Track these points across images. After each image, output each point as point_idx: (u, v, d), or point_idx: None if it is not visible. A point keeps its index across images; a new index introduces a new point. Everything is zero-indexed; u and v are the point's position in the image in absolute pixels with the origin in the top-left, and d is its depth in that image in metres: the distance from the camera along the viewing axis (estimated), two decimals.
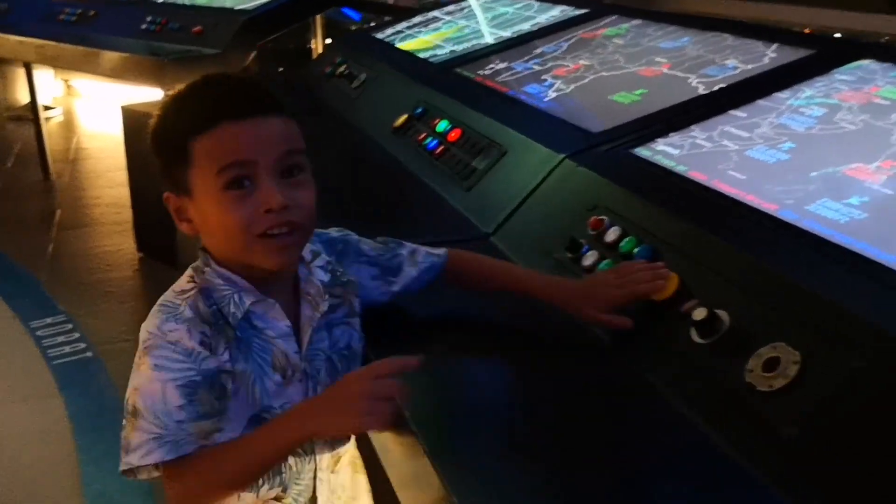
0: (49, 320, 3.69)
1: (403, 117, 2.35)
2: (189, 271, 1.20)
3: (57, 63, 5.02)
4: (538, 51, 2.53)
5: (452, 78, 2.52)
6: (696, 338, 1.17)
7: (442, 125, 2.16)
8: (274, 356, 1.18)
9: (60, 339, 3.52)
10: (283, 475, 1.20)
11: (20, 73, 6.49)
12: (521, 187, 1.74)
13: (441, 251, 1.40)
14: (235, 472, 1.12)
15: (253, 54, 4.33)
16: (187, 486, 1.12)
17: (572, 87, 2.15)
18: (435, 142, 2.14)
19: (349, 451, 1.34)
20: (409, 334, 1.37)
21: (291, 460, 1.20)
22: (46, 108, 6.59)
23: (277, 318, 1.18)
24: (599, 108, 1.97)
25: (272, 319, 1.18)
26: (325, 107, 2.90)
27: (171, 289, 1.18)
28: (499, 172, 1.86)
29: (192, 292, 1.16)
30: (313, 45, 4.86)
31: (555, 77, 2.26)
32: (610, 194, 1.52)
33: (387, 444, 1.21)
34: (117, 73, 4.33)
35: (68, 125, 7.05)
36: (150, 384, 1.10)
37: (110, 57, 4.27)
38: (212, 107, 1.11)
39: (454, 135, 2.08)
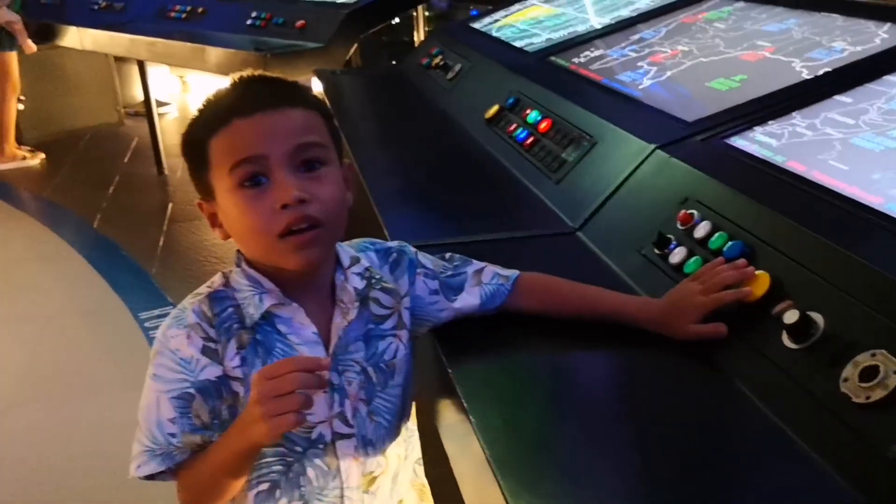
0: (157, 312, 3.80)
1: (495, 108, 2.30)
2: (217, 275, 1.18)
3: (167, 60, 5.14)
4: (636, 37, 2.44)
5: (546, 67, 2.46)
6: (788, 342, 1.09)
7: (533, 116, 2.10)
8: None
9: None
10: (303, 489, 1.17)
11: (136, 70, 6.70)
12: (610, 180, 1.67)
13: (511, 273, 1.32)
14: (209, 480, 1.11)
15: (355, 47, 4.35)
16: (185, 493, 1.14)
17: (669, 73, 2.06)
18: (525, 133, 2.08)
19: (407, 474, 1.30)
20: (487, 345, 1.30)
21: (311, 474, 1.17)
22: (160, 103, 6.79)
23: (303, 324, 1.15)
24: (696, 96, 1.87)
25: (297, 324, 1.15)
26: (421, 98, 2.87)
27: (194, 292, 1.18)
28: (588, 164, 1.79)
29: (202, 296, 1.14)
30: (415, 37, 4.86)
31: (651, 64, 2.17)
32: (701, 187, 1.44)
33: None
34: (223, 69, 4.40)
35: (182, 120, 7.26)
36: (148, 394, 1.11)
37: (216, 53, 4.35)
38: (226, 105, 1.10)
39: (545, 125, 2.02)
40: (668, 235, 1.38)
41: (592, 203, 1.66)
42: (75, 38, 5.60)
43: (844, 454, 0.95)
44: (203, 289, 1.16)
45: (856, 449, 0.95)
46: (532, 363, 1.25)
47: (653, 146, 1.63)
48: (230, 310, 1.13)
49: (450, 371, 1.19)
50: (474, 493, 1.09)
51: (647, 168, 1.61)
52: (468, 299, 1.29)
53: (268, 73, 1.16)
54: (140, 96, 6.92)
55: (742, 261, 1.22)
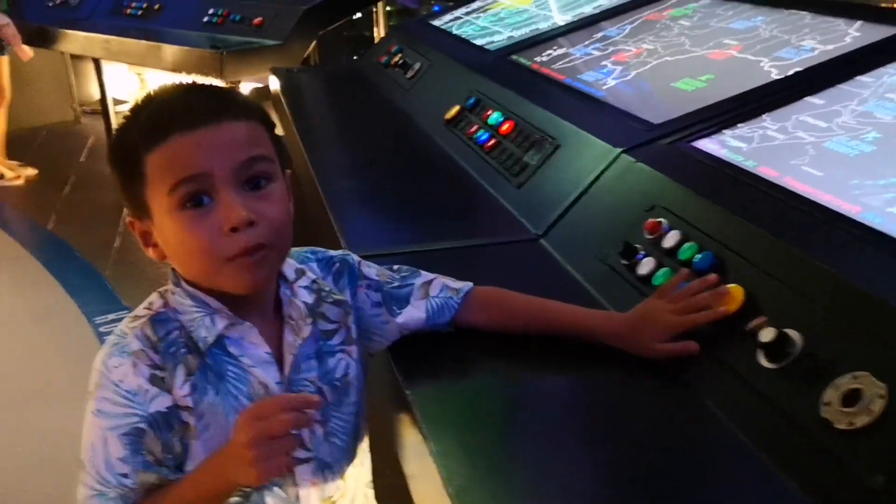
0: (112, 316, 3.68)
1: (455, 109, 2.22)
2: (152, 295, 1.08)
3: (123, 58, 5.00)
4: (599, 35, 2.37)
5: (507, 66, 2.39)
6: (763, 361, 1.02)
7: (494, 117, 2.03)
8: (251, 386, 1.06)
9: None
10: None
11: (93, 67, 6.55)
12: (573, 185, 1.60)
13: (462, 285, 1.24)
14: None
15: (314, 44, 4.25)
16: None
17: (633, 73, 2.00)
18: (486, 135, 2.01)
19: (361, 497, 1.22)
20: (443, 362, 1.22)
21: (270, 501, 1.08)
22: (118, 101, 6.64)
23: (255, 344, 1.06)
24: (662, 97, 1.81)
25: (249, 345, 1.06)
26: (380, 98, 2.79)
27: (128, 314, 1.08)
28: (551, 168, 1.72)
29: (144, 319, 1.04)
30: (375, 33, 4.77)
31: (615, 63, 2.10)
32: (669, 193, 1.37)
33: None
34: (180, 67, 4.30)
35: None
36: (92, 432, 1.01)
37: (172, 51, 4.25)
38: (164, 118, 0.99)
39: (506, 127, 1.95)
40: (636, 245, 1.32)
41: (556, 209, 1.59)
42: (30, 35, 5.45)
43: (824, 483, 0.89)
44: (142, 311, 1.06)
45: (837, 478, 0.88)
46: (491, 381, 1.18)
47: (618, 150, 1.56)
48: (175, 333, 1.03)
49: (407, 392, 1.11)
50: None
51: (613, 173, 1.54)
52: (413, 313, 1.20)
53: (204, 83, 1.07)
54: (97, 94, 6.77)
55: (713, 276, 1.15)
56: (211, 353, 1.03)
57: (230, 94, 1.06)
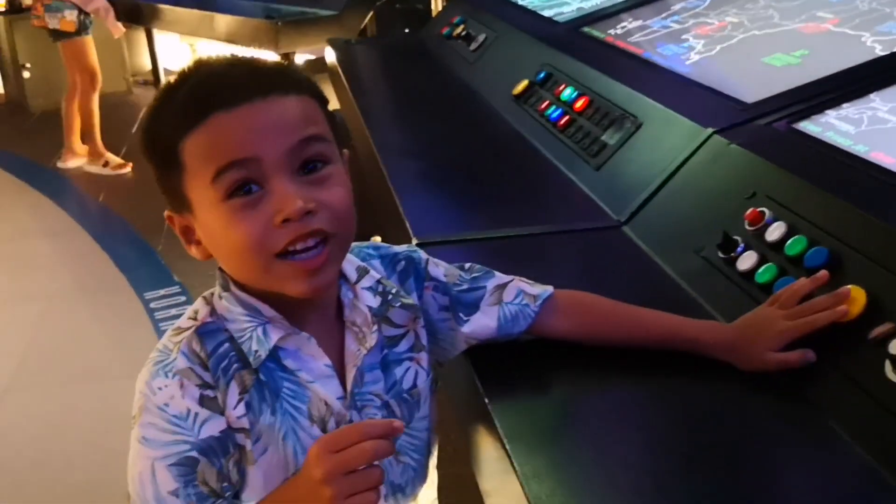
0: (163, 291, 3.65)
1: (524, 83, 2.11)
2: (197, 302, 0.97)
3: (175, 28, 4.97)
4: (677, 6, 2.24)
5: (579, 38, 2.26)
6: (891, 374, 0.91)
7: (567, 93, 1.92)
8: (311, 404, 0.94)
9: (173, 311, 3.46)
10: None
11: (144, 37, 6.52)
12: (660, 167, 1.48)
13: (541, 290, 1.10)
14: None
15: (370, 15, 4.16)
16: None
17: (718, 48, 1.87)
18: (559, 111, 1.89)
19: None
20: (527, 370, 1.10)
21: None
22: (170, 72, 6.61)
23: (314, 357, 0.94)
24: (752, 74, 1.68)
25: (307, 358, 0.94)
26: (442, 71, 2.68)
27: (173, 327, 0.96)
28: (633, 149, 1.61)
29: (189, 331, 0.92)
30: (433, 5, 4.65)
31: (697, 37, 1.97)
32: (772, 180, 1.25)
33: None
34: (233, 37, 4.24)
35: None
36: (139, 463, 0.89)
37: (225, 20, 4.19)
38: (202, 95, 0.87)
39: (581, 104, 1.84)
40: (735, 236, 1.20)
41: (640, 194, 1.48)
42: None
43: None
44: (185, 322, 0.94)
45: None
46: (582, 394, 1.06)
47: (710, 130, 1.44)
48: (226, 346, 0.91)
49: (488, 403, 1.01)
50: None
51: (704, 155, 1.42)
52: (482, 320, 1.07)
53: (244, 57, 0.95)
54: (149, 65, 6.74)
55: (824, 273, 1.03)
56: (264, 367, 0.92)
57: (276, 66, 0.95)
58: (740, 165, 1.33)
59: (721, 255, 1.21)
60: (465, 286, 1.08)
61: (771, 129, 1.40)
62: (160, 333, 3.29)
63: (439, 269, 1.09)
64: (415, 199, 1.62)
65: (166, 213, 0.94)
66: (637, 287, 1.27)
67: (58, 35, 4.98)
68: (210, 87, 0.88)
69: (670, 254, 1.32)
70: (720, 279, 1.20)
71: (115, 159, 5.30)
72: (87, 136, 5.33)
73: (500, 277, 1.11)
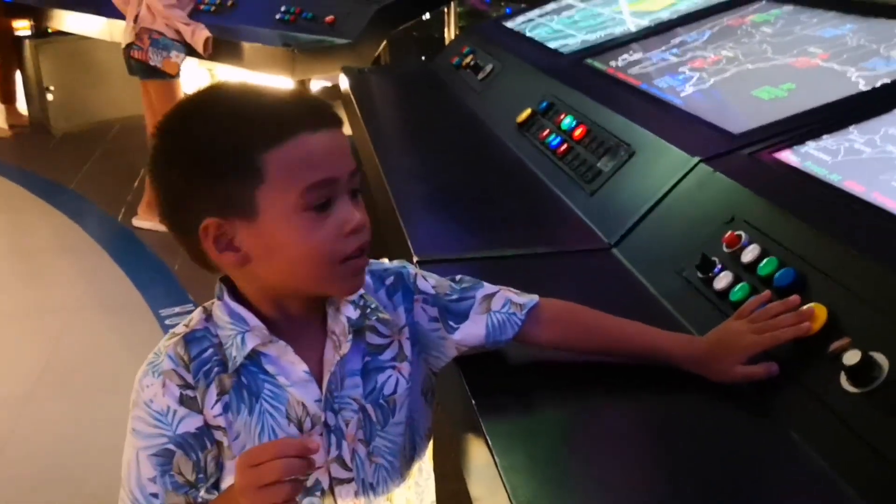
0: (178, 309, 3.73)
1: (527, 112, 2.20)
2: (197, 310, 1.07)
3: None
4: (677, 40, 2.33)
5: (581, 70, 2.36)
6: (847, 386, 0.98)
7: (567, 122, 2.00)
8: (288, 406, 1.03)
9: None
10: None
11: None
12: (649, 193, 1.56)
13: (527, 300, 1.17)
14: None
15: (384, 43, 4.26)
16: None
17: (712, 80, 1.95)
18: (559, 139, 1.98)
19: None
20: (509, 376, 1.19)
21: None
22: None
23: (292, 363, 1.03)
24: (741, 106, 1.77)
25: (286, 364, 1.03)
26: (451, 99, 2.78)
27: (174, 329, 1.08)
28: (626, 175, 1.69)
29: (178, 337, 1.03)
30: (446, 34, 4.76)
31: (693, 69, 2.06)
32: (750, 206, 1.33)
33: None
34: (251, 64, 4.34)
35: None
36: (128, 450, 1.03)
37: (244, 47, 4.28)
38: (289, 116, 0.97)
39: (580, 132, 1.92)
40: (713, 258, 1.28)
41: (630, 218, 1.56)
42: (105, 29, 5.54)
43: None
44: (179, 328, 1.05)
45: None
46: (563, 402, 1.14)
47: (696, 159, 1.52)
48: (210, 351, 1.02)
49: (475, 406, 1.09)
50: None
51: (690, 183, 1.50)
52: (471, 329, 1.14)
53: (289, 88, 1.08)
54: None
55: (795, 297, 1.10)
56: (247, 370, 1.02)
57: (324, 101, 1.06)
58: (722, 192, 1.41)
59: (700, 275, 1.29)
60: (454, 296, 1.16)
61: (754, 158, 1.48)
62: None
63: (428, 282, 1.17)
64: (418, 221, 1.71)
65: (207, 221, 0.97)
66: (623, 304, 1.33)
67: (154, 73, 4.61)
68: (296, 109, 0.99)
69: (655, 274, 1.40)
70: (698, 298, 1.28)
71: None
72: None
73: (489, 288, 1.18)
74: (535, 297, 1.18)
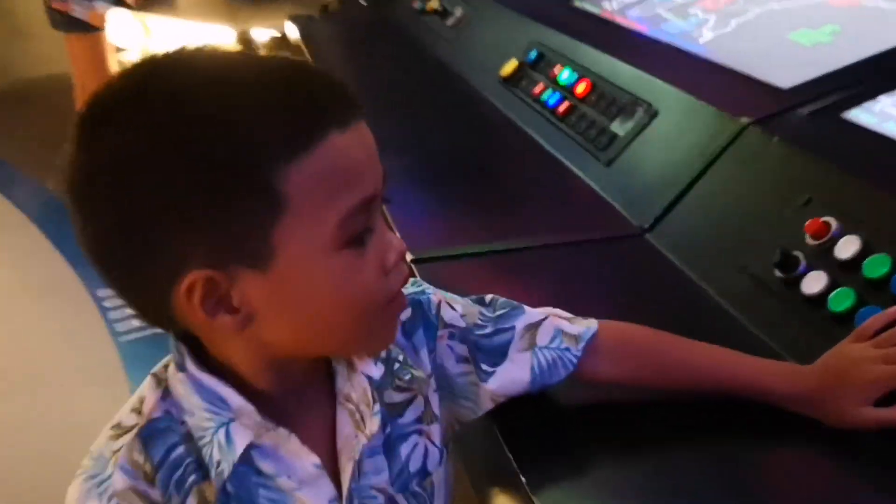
0: None
1: (513, 64, 1.90)
2: (146, 383, 0.73)
3: (126, 2, 4.67)
4: None
5: (571, 13, 2.05)
6: None
7: (565, 75, 1.71)
8: None
9: (129, 310, 3.22)
10: None
11: None
12: (685, 165, 1.29)
13: (583, 329, 0.88)
14: None
15: None
16: None
17: (733, 23, 1.67)
18: (557, 96, 1.69)
19: None
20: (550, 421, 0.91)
21: None
22: (119, 49, 6.30)
23: (297, 455, 0.71)
24: (779, 54, 1.49)
25: (288, 458, 0.71)
26: (418, 51, 2.45)
27: (115, 417, 0.73)
28: (648, 141, 1.41)
29: (131, 435, 0.69)
30: None
31: (705, 11, 1.78)
32: (831, 183, 1.06)
33: None
34: (187, 13, 4.01)
35: None
36: None
37: None
38: (311, 107, 0.63)
39: (583, 88, 1.63)
40: (794, 252, 1.01)
41: (664, 194, 1.28)
42: None
43: None
44: (127, 418, 0.71)
45: None
46: (625, 459, 0.87)
47: (743, 121, 1.25)
48: (180, 450, 0.69)
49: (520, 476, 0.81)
50: None
51: (739, 151, 1.23)
52: (512, 372, 0.86)
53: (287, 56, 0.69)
54: None
55: None
56: (234, 473, 0.69)
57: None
58: (787, 164, 1.14)
59: (779, 273, 1.02)
60: (488, 328, 0.87)
61: (817, 119, 1.21)
62: (115, 334, 3.07)
63: (455, 309, 0.87)
64: (400, 205, 1.41)
65: (192, 276, 0.63)
66: (671, 308, 1.08)
67: (77, 26, 4.30)
68: (317, 95, 0.64)
69: (707, 269, 1.13)
70: (777, 303, 1.01)
71: None
72: None
73: (531, 313, 0.89)
74: (592, 324, 0.89)
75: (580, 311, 0.93)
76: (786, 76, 1.36)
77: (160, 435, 0.69)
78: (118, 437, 0.70)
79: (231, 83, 0.63)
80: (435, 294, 0.87)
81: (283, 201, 0.62)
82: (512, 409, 0.88)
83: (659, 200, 1.28)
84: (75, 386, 2.81)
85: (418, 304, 0.85)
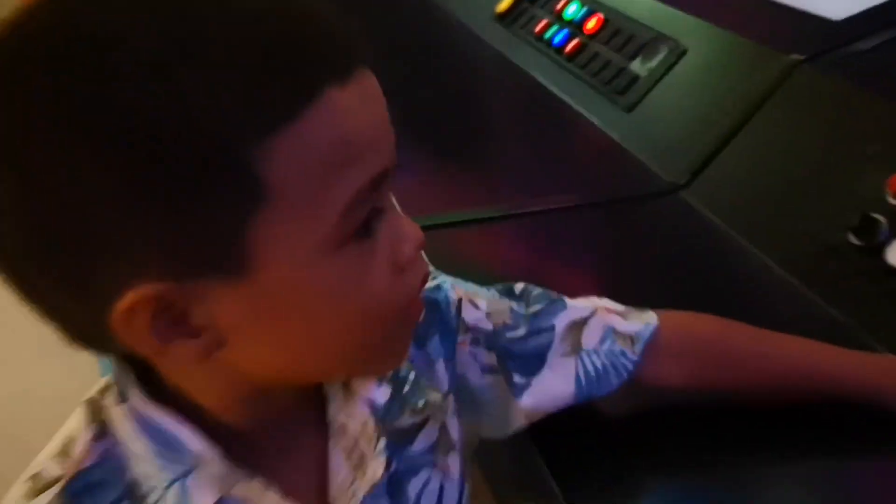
0: None
1: None
2: (74, 416, 0.53)
3: None
4: None
5: None
6: None
7: (572, 9, 1.52)
8: None
9: None
10: None
11: None
12: (724, 110, 1.12)
13: (641, 325, 0.72)
14: None
15: None
16: None
17: None
18: (564, 33, 1.50)
19: None
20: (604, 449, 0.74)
21: None
22: None
23: None
24: None
25: None
26: None
27: (33, 463, 0.53)
28: (676, 83, 1.23)
29: (56, 490, 0.49)
30: None
31: None
32: None
33: None
34: None
35: None
36: None
37: None
38: (300, 55, 0.44)
39: (593, 23, 1.45)
40: (874, 215, 0.85)
41: (698, 145, 1.11)
42: None
43: None
44: (49, 465, 0.51)
45: None
46: (688, 471, 0.72)
47: (793, 58, 1.08)
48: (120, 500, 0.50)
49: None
50: None
51: (790, 93, 1.06)
52: (551, 384, 0.69)
53: None
54: None
55: None
56: None
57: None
58: (854, 110, 0.97)
59: (855, 240, 0.85)
60: (521, 330, 0.69)
61: (883, 57, 1.04)
62: None
63: (479, 307, 0.69)
64: (400, 166, 1.23)
65: (138, 289, 0.43)
66: (719, 282, 0.92)
67: None
68: (314, 38, 0.45)
69: (761, 232, 0.96)
70: (856, 276, 0.85)
71: None
72: None
73: (574, 307, 0.71)
74: (651, 319, 0.72)
75: (605, 290, 0.76)
76: (830, 6, 1.19)
77: (94, 491, 0.50)
78: (35, 493, 0.50)
79: (184, 17, 0.42)
80: (453, 289, 0.69)
81: (262, 188, 0.43)
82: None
83: (695, 151, 1.11)
84: (31, 358, 2.64)
85: (434, 305, 0.66)
